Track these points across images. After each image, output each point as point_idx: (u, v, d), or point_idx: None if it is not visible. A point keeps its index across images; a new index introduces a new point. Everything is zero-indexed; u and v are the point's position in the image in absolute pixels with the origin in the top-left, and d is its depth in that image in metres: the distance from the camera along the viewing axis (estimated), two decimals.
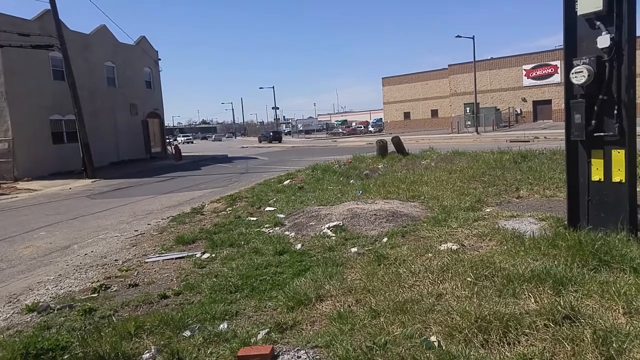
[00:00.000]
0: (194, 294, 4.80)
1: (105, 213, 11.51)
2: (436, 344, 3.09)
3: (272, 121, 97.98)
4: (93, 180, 20.54)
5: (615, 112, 4.69)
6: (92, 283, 5.59)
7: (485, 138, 33.02)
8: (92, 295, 5.13)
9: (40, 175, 22.25)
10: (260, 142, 59.63)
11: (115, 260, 6.69)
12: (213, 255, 6.24)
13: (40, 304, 4.93)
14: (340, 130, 72.63)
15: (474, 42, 39.53)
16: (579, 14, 4.85)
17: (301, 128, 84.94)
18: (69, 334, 3.89)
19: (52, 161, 23.68)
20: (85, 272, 6.21)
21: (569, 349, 2.82)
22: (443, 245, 5.30)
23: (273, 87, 77.94)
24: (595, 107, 4.81)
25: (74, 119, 21.97)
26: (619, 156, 4.74)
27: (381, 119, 72.16)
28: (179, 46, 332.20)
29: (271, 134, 61.21)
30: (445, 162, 13.28)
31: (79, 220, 10.75)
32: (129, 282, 5.49)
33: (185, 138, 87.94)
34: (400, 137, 17.71)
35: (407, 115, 62.54)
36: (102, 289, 5.29)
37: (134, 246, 7.48)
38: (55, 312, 4.67)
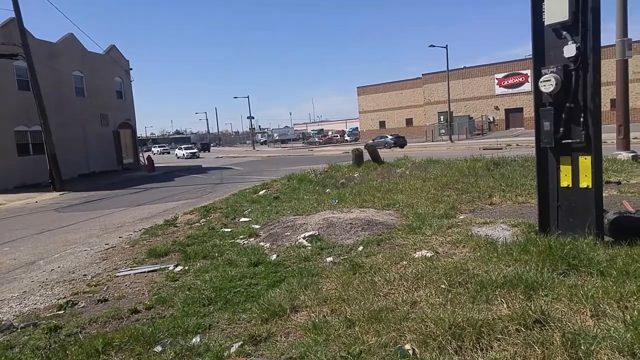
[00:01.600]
0: (166, 307, 4.68)
1: (73, 227, 11.16)
2: (410, 352, 3.08)
3: (247, 131, 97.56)
4: (61, 193, 19.94)
5: (582, 119, 4.81)
6: (59, 299, 5.39)
7: (458, 146, 33.66)
8: (58, 312, 4.94)
9: (5, 189, 21.45)
10: (202, 150, 72.67)
11: (84, 275, 6.47)
12: (186, 267, 6.12)
13: (3, 322, 4.73)
14: (317, 140, 72.89)
15: (447, 52, 40.61)
16: (546, 24, 4.97)
17: (277, 137, 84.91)
18: (33, 353, 3.76)
19: (17, 174, 22.93)
20: (51, 288, 5.98)
21: (539, 352, 2.86)
22: (418, 252, 5.33)
23: (248, 97, 77.61)
24: (563, 115, 4.94)
25: (40, 129, 21.34)
26: (585, 162, 4.86)
27: (357, 128, 72.79)
28: (151, 57, 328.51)
29: (200, 145, 76.33)
30: (419, 170, 13.43)
31: (45, 234, 10.39)
32: (97, 297, 5.31)
33: (162, 149, 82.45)
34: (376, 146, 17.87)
35: (382, 124, 63.29)
36: (69, 305, 5.10)
37: (104, 260, 7.26)
38: (19, 330, 4.47)
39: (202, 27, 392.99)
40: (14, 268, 7.44)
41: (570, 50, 4.75)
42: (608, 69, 25.59)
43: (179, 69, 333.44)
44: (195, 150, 57.14)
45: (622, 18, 12.85)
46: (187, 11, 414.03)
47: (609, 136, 18.76)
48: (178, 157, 54.99)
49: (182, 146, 62.94)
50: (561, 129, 4.96)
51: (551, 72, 4.92)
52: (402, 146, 38.61)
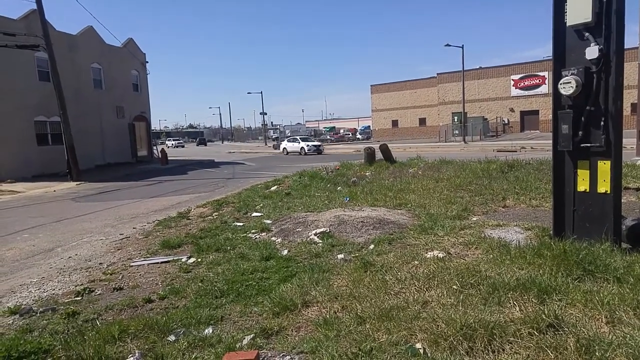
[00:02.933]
0: (179, 298, 4.75)
1: (90, 216, 11.34)
2: (421, 351, 3.09)
3: (259, 126, 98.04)
4: (78, 183, 20.25)
5: (602, 123, 4.73)
6: (76, 286, 5.50)
7: (472, 147, 33.36)
8: (75, 298, 5.05)
9: (24, 177, 21.88)
10: (197, 145, 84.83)
11: (100, 263, 6.59)
12: (199, 259, 6.19)
13: (23, 306, 4.84)
14: (328, 137, 72.83)
15: (462, 51, 39.99)
16: (568, 24, 4.87)
17: (289, 134, 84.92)
18: (52, 337, 3.85)
19: (36, 163, 23.33)
20: (69, 275, 6.10)
21: (552, 357, 2.85)
22: (429, 253, 5.32)
23: (261, 92, 77.25)
24: (583, 118, 4.85)
25: (59, 120, 21.65)
26: (604, 167, 4.79)
27: (369, 126, 72.54)
28: (166, 50, 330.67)
29: (198, 139, 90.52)
30: (432, 170, 13.37)
31: (63, 223, 10.58)
32: (113, 285, 5.41)
33: (177, 142, 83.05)
34: (388, 145, 17.83)
35: (395, 123, 62.93)
36: (86, 292, 5.21)
37: (118, 250, 7.37)
38: (38, 315, 4.59)
39: (216, 23, 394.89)
40: (33, 254, 7.60)
41: (592, 52, 4.66)
42: (629, 72, 25.02)
43: (193, 64, 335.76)
44: (319, 144, 39.47)
45: None
46: (202, 7, 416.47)
47: (628, 141, 18.41)
48: (287, 153, 38.14)
49: (298, 137, 42.28)
50: (580, 132, 4.88)
51: (572, 74, 4.83)
52: (319, 153, 46.04)
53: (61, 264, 6.77)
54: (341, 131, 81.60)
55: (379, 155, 17.17)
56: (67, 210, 12.55)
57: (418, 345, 3.15)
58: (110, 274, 5.91)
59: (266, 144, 69.11)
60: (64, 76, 21.79)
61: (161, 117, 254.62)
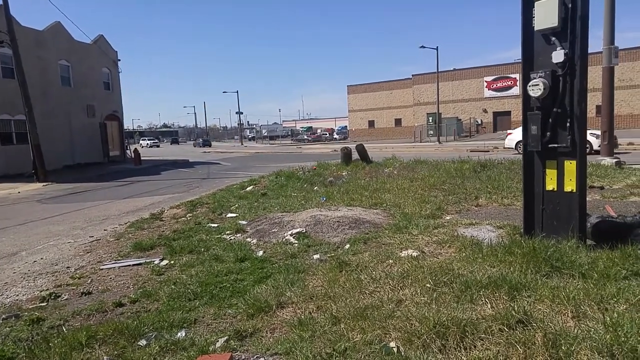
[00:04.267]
0: (151, 301, 4.65)
1: (57, 218, 11.00)
2: (395, 349, 3.11)
3: (235, 126, 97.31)
4: (45, 183, 19.64)
5: (568, 124, 4.88)
6: (41, 291, 5.31)
7: (446, 147, 33.89)
8: (40, 304, 4.88)
9: None
10: (171, 144, 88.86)
11: (67, 267, 6.39)
12: (172, 262, 6.08)
13: None
14: (305, 137, 72.87)
15: (437, 53, 40.62)
16: (536, 29, 5.02)
17: (265, 134, 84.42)
18: (15, 344, 3.71)
19: None
20: (33, 280, 5.89)
21: (521, 352, 2.91)
22: (404, 252, 5.36)
23: (237, 92, 76.28)
24: (550, 120, 4.99)
25: (24, 119, 20.96)
26: (570, 167, 4.94)
27: (346, 126, 72.91)
28: (140, 49, 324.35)
29: (171, 139, 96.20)
30: (407, 170, 13.50)
31: (28, 225, 10.23)
32: (81, 290, 5.25)
33: (152, 142, 79.65)
34: (365, 145, 17.91)
35: (371, 123, 63.39)
36: (52, 297, 5.04)
37: (88, 253, 7.17)
38: (0, 322, 4.40)
39: (192, 21, 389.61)
40: None
41: (558, 56, 4.81)
42: (594, 76, 25.92)
43: (168, 62, 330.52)
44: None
45: (610, 26, 13.07)
46: (176, 6, 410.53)
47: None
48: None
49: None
50: (548, 133, 5.02)
51: (540, 77, 4.97)
52: (209, 145, 62.57)
53: (25, 268, 6.53)
54: (318, 131, 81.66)
55: (355, 155, 17.24)
56: (32, 212, 12.14)
57: (392, 344, 3.17)
58: (79, 278, 5.74)
59: (242, 144, 68.61)
60: (29, 73, 21.13)
61: (134, 117, 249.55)
